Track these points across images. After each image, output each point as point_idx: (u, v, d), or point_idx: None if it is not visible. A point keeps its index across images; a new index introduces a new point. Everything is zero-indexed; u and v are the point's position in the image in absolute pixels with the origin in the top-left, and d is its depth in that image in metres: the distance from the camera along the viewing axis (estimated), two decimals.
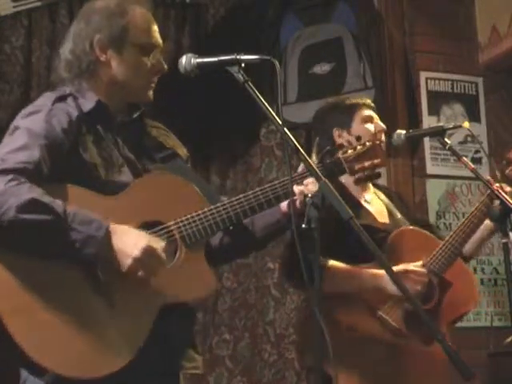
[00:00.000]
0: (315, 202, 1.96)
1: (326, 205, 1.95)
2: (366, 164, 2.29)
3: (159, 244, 2.10)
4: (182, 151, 2.44)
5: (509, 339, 3.90)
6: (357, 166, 2.29)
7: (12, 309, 1.99)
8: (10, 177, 2.02)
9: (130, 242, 2.05)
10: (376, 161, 2.30)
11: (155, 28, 2.33)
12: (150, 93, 2.32)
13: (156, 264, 2.08)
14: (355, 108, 3.04)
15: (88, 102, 2.24)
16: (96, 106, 2.24)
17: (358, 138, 2.33)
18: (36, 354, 1.97)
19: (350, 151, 2.30)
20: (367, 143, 2.31)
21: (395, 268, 2.71)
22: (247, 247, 2.52)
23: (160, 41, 2.33)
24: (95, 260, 2.04)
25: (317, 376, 1.92)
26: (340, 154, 2.30)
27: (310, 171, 2.03)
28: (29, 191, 2.01)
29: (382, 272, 2.69)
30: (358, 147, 2.30)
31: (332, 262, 2.75)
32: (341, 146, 2.31)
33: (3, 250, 2.02)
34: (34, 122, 2.16)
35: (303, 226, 1.94)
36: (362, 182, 2.37)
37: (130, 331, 2.06)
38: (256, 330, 4.52)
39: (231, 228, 2.30)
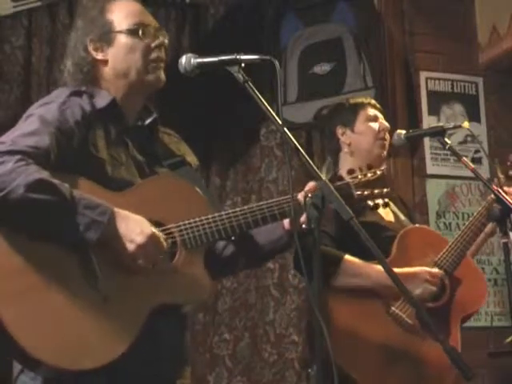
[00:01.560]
0: (315, 202, 1.96)
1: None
2: (376, 191, 2.30)
3: (161, 234, 2.12)
4: (192, 159, 2.45)
5: (509, 339, 3.90)
6: (365, 192, 2.29)
7: (5, 295, 1.98)
8: (18, 157, 2.03)
9: (135, 227, 2.07)
10: (385, 190, 2.31)
11: (139, 9, 2.35)
12: (158, 74, 2.31)
13: (158, 253, 2.09)
14: (359, 107, 3.06)
15: (102, 100, 2.27)
16: (110, 103, 2.26)
17: (370, 167, 2.34)
18: (27, 343, 1.96)
19: (359, 176, 2.31)
20: (378, 172, 2.31)
21: (412, 268, 2.78)
22: (248, 263, 2.51)
23: (148, 18, 2.34)
24: (96, 245, 2.04)
25: (318, 374, 1.91)
26: (349, 179, 2.30)
27: (309, 171, 2.03)
28: (37, 171, 2.03)
29: (402, 271, 2.74)
30: (369, 174, 2.31)
31: (348, 256, 2.76)
32: (351, 172, 2.31)
33: (4, 231, 2.02)
34: (48, 110, 2.18)
35: (304, 226, 1.94)
36: (366, 211, 2.37)
37: (121, 326, 2.06)
38: (256, 330, 4.52)
39: (233, 238, 2.31)
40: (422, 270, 2.80)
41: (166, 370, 2.21)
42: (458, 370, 1.86)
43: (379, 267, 2.73)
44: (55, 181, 2.04)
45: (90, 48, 2.30)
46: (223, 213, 2.22)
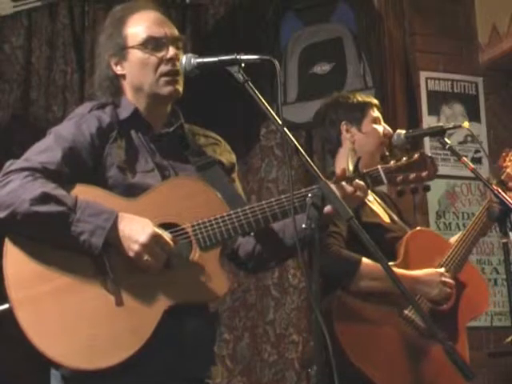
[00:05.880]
0: (315, 202, 1.96)
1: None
2: (411, 176, 2.21)
3: (165, 233, 2.14)
4: (228, 158, 2.46)
5: (509, 339, 3.90)
6: (398, 178, 2.21)
7: (22, 298, 2.08)
8: (25, 173, 2.13)
9: (137, 228, 2.11)
10: (424, 173, 2.22)
11: (154, 21, 2.39)
12: (172, 87, 2.31)
13: (162, 250, 2.11)
14: (367, 107, 3.03)
15: (125, 111, 2.33)
16: (132, 114, 2.32)
17: (405, 150, 2.26)
18: (42, 344, 2.04)
19: (392, 162, 2.23)
20: (415, 155, 2.22)
21: (426, 270, 2.79)
22: (279, 255, 2.46)
23: (162, 30, 2.37)
24: (102, 250, 2.09)
25: (319, 373, 1.91)
26: (379, 165, 2.23)
27: (309, 171, 2.03)
28: (41, 186, 2.11)
29: (417, 273, 2.77)
30: (403, 159, 2.23)
31: (365, 259, 2.73)
32: (383, 157, 2.24)
33: (16, 240, 2.13)
34: (65, 126, 2.28)
35: (303, 226, 1.94)
36: (404, 195, 2.28)
37: (134, 325, 2.10)
38: (256, 330, 4.52)
39: (252, 234, 2.30)
40: (436, 272, 2.80)
41: (194, 369, 2.23)
42: (458, 371, 1.85)
43: (398, 270, 2.72)
44: (59, 192, 2.12)
45: (112, 63, 2.35)
46: (239, 210, 2.21)
